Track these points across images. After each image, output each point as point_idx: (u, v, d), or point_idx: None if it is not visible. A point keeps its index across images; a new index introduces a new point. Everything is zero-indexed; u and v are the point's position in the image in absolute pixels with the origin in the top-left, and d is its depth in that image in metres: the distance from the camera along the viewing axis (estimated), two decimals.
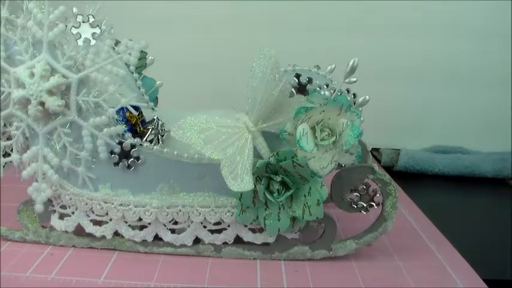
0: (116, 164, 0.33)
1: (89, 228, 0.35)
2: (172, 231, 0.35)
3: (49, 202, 0.35)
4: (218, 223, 0.34)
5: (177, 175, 0.33)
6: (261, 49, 0.30)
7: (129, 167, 0.33)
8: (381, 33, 0.59)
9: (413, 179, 0.57)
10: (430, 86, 0.62)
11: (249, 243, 0.35)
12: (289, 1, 0.59)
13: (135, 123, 0.32)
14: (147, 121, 0.33)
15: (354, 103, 0.33)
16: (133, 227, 0.35)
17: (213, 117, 0.31)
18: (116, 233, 0.35)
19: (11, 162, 0.34)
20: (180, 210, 0.34)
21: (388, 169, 0.58)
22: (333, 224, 0.34)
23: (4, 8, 0.32)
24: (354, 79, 0.32)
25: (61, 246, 0.36)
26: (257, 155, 0.31)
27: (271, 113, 0.31)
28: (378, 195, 0.33)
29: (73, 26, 0.31)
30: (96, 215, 0.35)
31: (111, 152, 0.33)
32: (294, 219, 0.32)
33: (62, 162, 0.33)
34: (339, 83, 0.32)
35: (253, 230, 0.35)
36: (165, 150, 0.32)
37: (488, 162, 0.56)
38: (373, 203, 0.33)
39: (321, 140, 0.30)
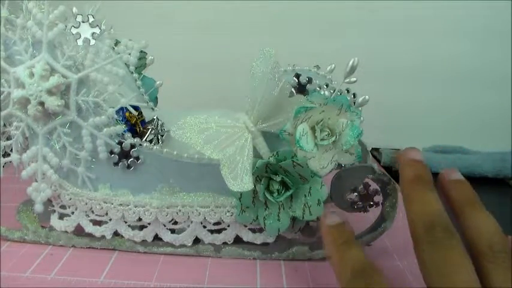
0: (116, 164, 0.33)
1: (89, 228, 0.35)
2: (172, 231, 0.35)
3: (49, 202, 0.35)
4: (218, 223, 0.34)
5: (177, 175, 0.33)
6: (261, 49, 0.30)
7: (128, 167, 0.33)
8: (381, 33, 0.59)
9: None
10: (430, 86, 0.62)
11: (248, 243, 0.35)
12: (290, 1, 0.59)
13: (135, 123, 0.32)
14: (146, 121, 0.33)
15: (354, 103, 0.33)
16: (133, 227, 0.35)
17: (213, 117, 0.31)
18: (116, 233, 0.35)
19: (10, 162, 0.34)
20: (180, 210, 0.34)
21: (388, 169, 0.58)
22: None
23: (4, 7, 0.32)
24: (354, 79, 0.32)
25: (61, 246, 0.36)
26: (257, 155, 0.31)
27: (271, 112, 0.31)
28: (378, 195, 0.33)
29: (73, 26, 0.31)
30: (96, 215, 0.35)
31: (111, 152, 0.33)
32: (293, 219, 0.32)
33: (61, 162, 0.33)
34: (339, 83, 0.32)
35: (253, 230, 0.35)
36: (165, 150, 0.32)
37: (488, 162, 0.56)
38: (373, 203, 0.33)
39: (321, 140, 0.30)
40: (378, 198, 0.33)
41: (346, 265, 0.24)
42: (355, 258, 0.24)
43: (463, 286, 0.20)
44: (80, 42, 0.31)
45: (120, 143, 0.33)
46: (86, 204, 0.34)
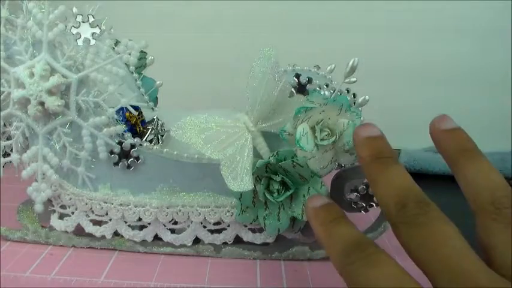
0: (116, 164, 0.33)
1: (89, 228, 0.35)
2: (172, 231, 0.35)
3: (49, 202, 0.35)
4: (218, 223, 0.34)
5: (177, 175, 0.33)
6: (261, 49, 0.30)
7: (128, 167, 0.33)
8: (381, 33, 0.59)
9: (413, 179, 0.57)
10: (430, 86, 0.62)
11: (248, 243, 0.35)
12: (289, 1, 0.59)
13: (135, 123, 0.32)
14: (147, 121, 0.33)
15: (354, 103, 0.33)
16: (133, 227, 0.35)
17: (213, 117, 0.31)
18: (116, 233, 0.35)
19: (10, 162, 0.34)
20: (180, 210, 0.34)
21: None
22: None
23: (4, 8, 0.32)
24: (354, 79, 0.32)
25: (61, 246, 0.36)
26: (257, 155, 0.31)
27: (271, 113, 0.31)
28: None
29: (73, 26, 0.31)
30: (96, 215, 0.35)
31: (111, 152, 0.33)
32: (293, 219, 0.32)
33: (61, 162, 0.33)
34: (339, 83, 0.32)
35: (253, 230, 0.35)
36: (165, 150, 0.32)
37: None
38: (373, 203, 0.33)
39: (321, 140, 0.30)
40: None
41: (337, 241, 0.21)
42: (346, 232, 0.22)
43: (453, 256, 0.18)
44: (80, 42, 0.31)
45: (120, 143, 0.33)
46: (86, 204, 0.34)
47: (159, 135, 0.32)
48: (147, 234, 0.35)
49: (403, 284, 0.18)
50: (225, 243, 0.35)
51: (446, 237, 0.19)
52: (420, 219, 0.19)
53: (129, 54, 0.32)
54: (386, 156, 0.23)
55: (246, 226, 0.35)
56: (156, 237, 0.35)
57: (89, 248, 0.36)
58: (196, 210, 0.34)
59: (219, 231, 0.35)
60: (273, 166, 0.31)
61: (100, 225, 0.35)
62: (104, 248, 0.36)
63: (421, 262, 0.19)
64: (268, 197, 0.31)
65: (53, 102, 0.31)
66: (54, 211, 0.36)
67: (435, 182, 0.56)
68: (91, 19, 0.31)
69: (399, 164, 0.22)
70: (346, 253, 0.20)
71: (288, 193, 0.31)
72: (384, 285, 0.18)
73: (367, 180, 0.24)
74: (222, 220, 0.34)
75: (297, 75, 0.33)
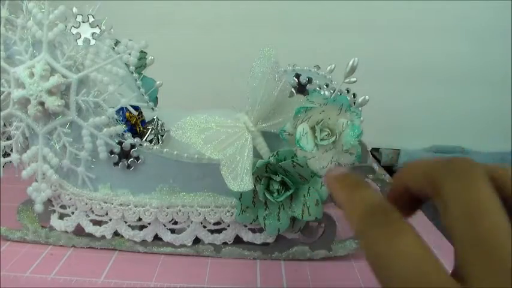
0: (116, 164, 0.33)
1: (89, 228, 0.35)
2: (172, 231, 0.35)
3: (49, 202, 0.35)
4: (218, 223, 0.34)
5: (177, 175, 0.33)
6: (261, 49, 0.30)
7: (128, 167, 0.33)
8: (381, 33, 0.59)
9: None
10: (430, 86, 0.62)
11: (248, 243, 0.35)
12: (290, 1, 0.59)
13: (135, 123, 0.32)
14: (147, 121, 0.33)
15: (354, 103, 0.33)
16: (133, 227, 0.35)
17: (213, 117, 0.31)
18: (116, 233, 0.35)
19: (10, 162, 0.34)
20: (180, 210, 0.34)
21: (388, 169, 0.58)
22: (333, 224, 0.34)
23: (4, 8, 0.32)
24: (354, 79, 0.32)
25: (61, 246, 0.36)
26: (257, 155, 0.31)
27: (271, 113, 0.31)
28: None
29: (73, 26, 0.31)
30: (96, 215, 0.35)
31: (111, 152, 0.33)
32: (293, 219, 0.32)
33: (61, 162, 0.33)
34: (339, 83, 0.32)
35: (253, 230, 0.35)
36: (165, 150, 0.32)
37: (488, 162, 0.56)
38: None
39: (321, 140, 0.30)
40: None
41: (359, 203, 0.20)
42: (369, 195, 0.21)
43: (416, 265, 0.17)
44: (80, 42, 0.31)
45: (120, 143, 0.33)
46: (86, 204, 0.34)
47: (159, 135, 0.32)
48: (147, 234, 0.35)
49: (424, 255, 0.18)
50: (225, 243, 0.35)
51: (411, 247, 0.18)
52: (385, 228, 0.19)
53: (129, 54, 0.32)
54: (355, 181, 0.23)
55: (246, 226, 0.35)
56: (156, 237, 0.35)
57: (89, 248, 0.36)
58: (196, 210, 0.34)
59: (219, 231, 0.35)
60: (273, 166, 0.31)
61: (100, 225, 0.35)
62: (104, 248, 0.36)
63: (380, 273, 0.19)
64: (268, 197, 0.31)
65: (53, 102, 0.31)
66: (54, 211, 0.36)
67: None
68: (91, 19, 0.31)
69: (370, 187, 0.22)
70: (368, 215, 0.19)
71: (288, 193, 0.31)
72: (404, 254, 0.18)
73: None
74: (222, 220, 0.34)
75: (297, 75, 0.33)
